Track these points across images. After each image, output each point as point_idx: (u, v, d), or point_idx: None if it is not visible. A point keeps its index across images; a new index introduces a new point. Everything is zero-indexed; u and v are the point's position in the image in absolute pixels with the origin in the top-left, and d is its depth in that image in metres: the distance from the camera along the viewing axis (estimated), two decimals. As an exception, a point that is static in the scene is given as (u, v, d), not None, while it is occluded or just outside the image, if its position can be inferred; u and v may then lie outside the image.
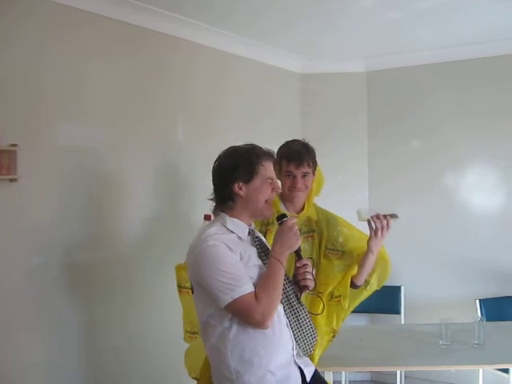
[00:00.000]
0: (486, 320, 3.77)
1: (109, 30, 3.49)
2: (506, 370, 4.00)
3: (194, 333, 2.86)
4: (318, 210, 3.02)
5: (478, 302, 4.45)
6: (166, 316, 3.63)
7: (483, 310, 4.41)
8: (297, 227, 2.32)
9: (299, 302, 2.36)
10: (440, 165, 5.10)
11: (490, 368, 4.10)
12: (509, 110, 4.79)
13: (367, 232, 2.80)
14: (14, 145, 2.91)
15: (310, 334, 2.34)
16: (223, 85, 4.40)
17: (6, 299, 2.95)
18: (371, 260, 2.83)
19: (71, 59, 3.26)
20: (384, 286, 4.54)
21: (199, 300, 2.29)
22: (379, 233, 2.74)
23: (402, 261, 5.08)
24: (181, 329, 2.99)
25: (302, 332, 2.33)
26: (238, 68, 4.59)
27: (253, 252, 2.30)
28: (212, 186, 2.37)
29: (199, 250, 2.20)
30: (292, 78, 5.31)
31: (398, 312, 4.98)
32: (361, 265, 2.87)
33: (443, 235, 5.03)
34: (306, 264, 2.36)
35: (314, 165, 2.88)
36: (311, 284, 2.36)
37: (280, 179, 2.86)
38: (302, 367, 2.32)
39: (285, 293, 2.30)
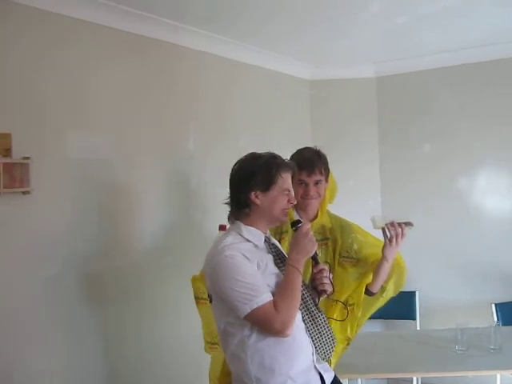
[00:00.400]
0: (502, 324, 3.75)
1: (116, 40, 3.50)
2: (523, 375, 3.97)
3: (214, 343, 2.85)
4: (332, 217, 3.01)
5: (493, 306, 4.42)
6: (180, 326, 3.64)
7: (499, 314, 4.38)
8: (312, 233, 2.31)
9: (317, 308, 2.35)
10: (452, 169, 5.08)
11: (508, 373, 4.06)
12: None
13: (382, 238, 2.79)
14: (27, 157, 2.92)
15: (328, 339, 2.33)
16: (232, 93, 4.41)
17: (20, 310, 2.95)
18: (386, 268, 2.81)
19: (78, 70, 3.27)
20: (399, 292, 4.51)
21: (218, 309, 2.29)
22: (394, 241, 2.72)
23: (417, 266, 5.03)
24: (195, 339, 2.99)
25: (320, 337, 2.31)
26: (247, 76, 4.60)
27: (269, 260, 2.30)
28: (228, 191, 2.38)
29: (216, 260, 2.21)
30: (301, 85, 5.31)
31: (413, 317, 4.94)
32: (376, 273, 2.85)
33: (457, 239, 5.00)
34: (323, 269, 2.36)
35: (326, 172, 2.88)
36: (329, 288, 2.36)
37: (293, 188, 2.86)
38: (322, 372, 2.31)
39: (302, 299, 2.30)
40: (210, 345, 2.92)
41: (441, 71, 5.05)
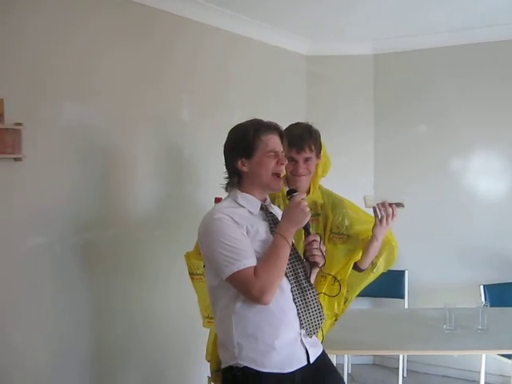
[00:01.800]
0: (490, 305, 3.77)
1: (114, 10, 3.46)
2: (508, 356, 4.00)
3: (211, 318, 2.85)
4: (324, 193, 2.99)
5: (481, 287, 4.46)
6: (169, 297, 3.65)
7: (487, 295, 4.42)
8: (305, 203, 2.29)
9: (308, 281, 2.33)
10: (446, 150, 5.07)
11: (493, 353, 4.11)
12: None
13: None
14: (19, 123, 2.89)
15: (315, 314, 2.31)
16: (228, 65, 4.37)
17: (8, 276, 2.95)
18: (376, 246, 2.80)
19: (77, 40, 3.24)
20: (388, 270, 4.52)
21: (208, 273, 2.31)
22: (384, 221, 2.71)
23: (407, 245, 5.04)
24: (183, 311, 2.99)
25: (307, 311, 2.29)
26: (244, 49, 4.56)
27: (262, 226, 2.29)
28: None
29: (205, 222, 2.25)
30: (298, 60, 5.27)
31: (401, 296, 4.98)
32: (365, 250, 2.84)
33: (448, 220, 5.01)
34: (314, 240, 2.33)
35: (317, 148, 2.83)
36: (320, 260, 2.31)
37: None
38: (307, 347, 2.30)
39: (293, 270, 2.29)
40: (207, 319, 2.92)
41: (440, 51, 5.02)
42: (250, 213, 2.29)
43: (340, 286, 2.71)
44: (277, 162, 2.32)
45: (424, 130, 5.17)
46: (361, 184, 5.23)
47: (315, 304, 2.32)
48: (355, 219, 2.92)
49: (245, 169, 2.30)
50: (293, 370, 2.24)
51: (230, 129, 2.40)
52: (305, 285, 2.31)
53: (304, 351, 2.29)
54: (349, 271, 2.88)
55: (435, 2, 4.07)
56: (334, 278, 2.68)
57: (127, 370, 3.62)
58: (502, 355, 4.09)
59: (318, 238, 2.34)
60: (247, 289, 2.13)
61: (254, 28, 4.55)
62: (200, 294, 2.89)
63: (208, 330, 2.92)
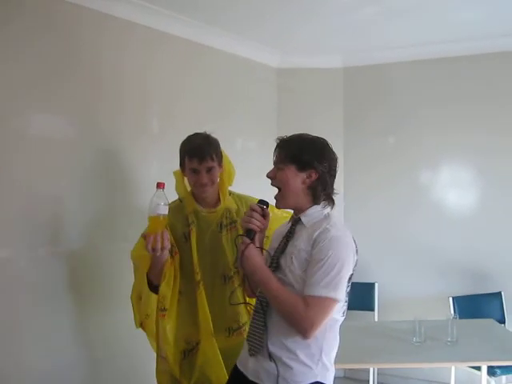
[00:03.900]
0: (459, 317, 3.79)
1: (71, 16, 3.41)
2: (478, 368, 4.01)
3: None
4: (236, 198, 2.98)
5: (451, 299, 4.48)
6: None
7: (456, 307, 4.45)
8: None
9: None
10: (415, 161, 5.12)
11: (463, 365, 4.12)
12: (483, 108, 4.81)
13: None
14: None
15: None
16: (196, 77, 4.33)
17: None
18: None
19: (36, 51, 3.19)
20: (358, 283, 4.50)
21: None
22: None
23: (376, 258, 5.11)
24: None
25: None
26: (213, 60, 4.52)
27: None
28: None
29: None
30: (268, 73, 5.27)
31: (371, 309, 4.98)
32: None
33: (418, 232, 5.04)
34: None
35: (218, 157, 2.82)
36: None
37: (186, 176, 2.85)
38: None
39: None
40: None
41: (408, 65, 5.08)
42: None
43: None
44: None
45: (392, 141, 5.21)
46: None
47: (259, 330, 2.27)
48: (272, 219, 2.86)
49: None
50: None
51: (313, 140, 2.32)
52: (260, 313, 2.28)
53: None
54: None
55: (402, 17, 4.11)
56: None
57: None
58: (472, 367, 4.10)
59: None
60: None
61: (223, 39, 4.53)
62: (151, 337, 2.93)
63: None
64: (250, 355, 2.24)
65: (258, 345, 2.21)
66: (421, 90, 5.06)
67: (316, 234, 2.15)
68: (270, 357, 2.16)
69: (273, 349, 2.17)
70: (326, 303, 2.10)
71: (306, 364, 2.15)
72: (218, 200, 2.90)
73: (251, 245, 2.23)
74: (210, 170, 2.77)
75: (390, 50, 5.00)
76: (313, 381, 2.16)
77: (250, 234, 2.27)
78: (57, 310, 3.30)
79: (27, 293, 3.14)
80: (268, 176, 2.30)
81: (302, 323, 2.08)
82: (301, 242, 2.20)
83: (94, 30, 3.55)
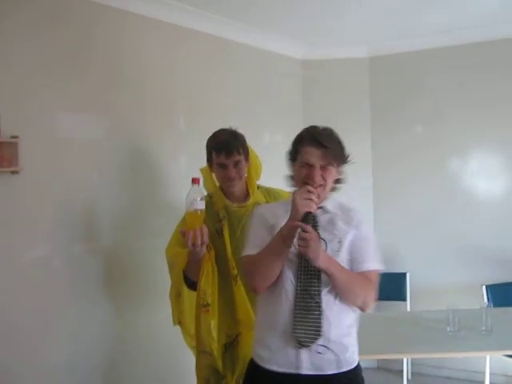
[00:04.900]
0: (493, 306, 3.76)
1: (96, 17, 3.46)
2: (513, 356, 3.99)
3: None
4: (265, 191, 2.99)
5: (484, 287, 4.44)
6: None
7: (490, 295, 4.40)
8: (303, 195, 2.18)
9: (317, 301, 2.23)
10: (444, 151, 5.07)
11: (498, 354, 4.09)
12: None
13: None
14: (15, 136, 2.88)
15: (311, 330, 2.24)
16: (223, 72, 4.36)
17: (6, 291, 2.93)
18: None
19: (63, 51, 3.23)
20: (389, 273, 4.49)
21: None
22: None
23: (407, 247, 5.09)
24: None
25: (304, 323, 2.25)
26: (237, 55, 4.54)
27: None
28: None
29: None
30: (293, 65, 5.27)
31: (403, 299, 4.96)
32: None
33: (448, 221, 5.00)
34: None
35: (245, 151, 2.85)
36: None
37: (214, 172, 2.88)
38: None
39: (306, 283, 2.23)
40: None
41: (434, 52, 5.02)
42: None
43: None
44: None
45: (421, 131, 5.17)
46: (360, 187, 5.21)
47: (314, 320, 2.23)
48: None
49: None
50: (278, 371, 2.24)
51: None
52: (312, 303, 2.22)
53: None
54: None
55: (428, 3, 4.07)
56: None
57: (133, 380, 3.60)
58: (507, 355, 4.07)
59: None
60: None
61: (247, 34, 4.54)
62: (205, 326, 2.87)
63: None
64: (301, 347, 2.20)
65: (314, 334, 2.20)
66: (448, 78, 5.00)
67: (355, 216, 2.32)
68: (329, 342, 2.19)
69: (332, 334, 2.20)
70: (378, 275, 2.30)
71: (355, 342, 2.30)
72: (247, 194, 2.92)
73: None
74: (237, 164, 2.80)
75: (416, 37, 4.95)
76: (358, 357, 2.32)
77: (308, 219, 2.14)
78: (91, 306, 3.35)
79: (63, 290, 3.20)
80: (319, 184, 2.29)
81: (370, 297, 2.24)
82: (341, 226, 2.27)
83: (120, 28, 3.59)
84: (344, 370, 2.23)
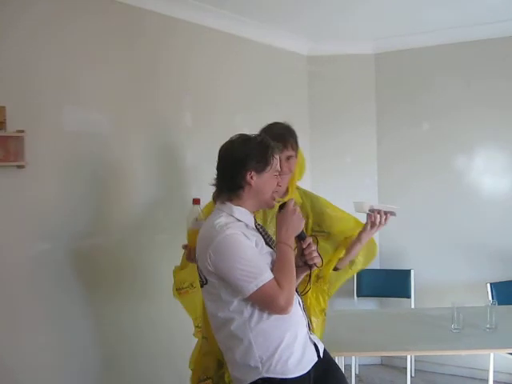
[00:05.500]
0: (498, 304, 3.75)
1: (108, 12, 3.45)
2: (517, 354, 3.98)
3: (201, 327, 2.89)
4: (302, 192, 2.99)
5: (489, 285, 4.43)
6: (177, 304, 3.62)
7: (494, 293, 4.39)
8: (299, 209, 2.32)
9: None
10: (449, 148, 5.05)
11: (502, 352, 4.08)
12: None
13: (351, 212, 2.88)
14: (21, 131, 2.88)
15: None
16: (227, 68, 4.34)
17: (12, 284, 2.94)
18: (358, 248, 2.86)
19: (71, 45, 3.22)
20: (394, 270, 4.50)
21: (213, 291, 2.24)
22: (375, 227, 2.76)
23: (412, 244, 5.08)
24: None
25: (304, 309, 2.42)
26: (243, 50, 4.53)
27: (260, 239, 2.29)
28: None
29: (217, 240, 2.16)
30: (299, 61, 5.25)
31: (407, 296, 4.95)
32: (347, 251, 2.88)
33: (453, 218, 5.00)
34: (311, 243, 2.35)
35: (296, 147, 2.85)
36: (318, 260, 2.34)
37: None
38: (316, 342, 2.36)
39: None
40: (198, 329, 2.96)
41: (441, 49, 5.00)
42: (247, 226, 2.28)
43: (309, 284, 2.72)
44: (277, 183, 2.35)
45: (426, 128, 5.15)
46: (365, 184, 5.21)
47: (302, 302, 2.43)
48: (334, 217, 2.93)
49: (252, 182, 2.26)
50: (309, 369, 2.27)
51: (238, 138, 2.34)
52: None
53: (314, 347, 2.33)
54: (331, 268, 2.90)
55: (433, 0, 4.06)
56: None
57: (132, 375, 3.60)
58: (511, 353, 4.06)
59: (313, 240, 2.37)
60: (274, 301, 2.13)
61: (253, 30, 4.53)
62: (188, 306, 2.96)
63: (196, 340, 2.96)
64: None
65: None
66: (454, 75, 4.98)
67: None
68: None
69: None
70: None
71: None
72: (286, 191, 2.91)
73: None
74: (288, 158, 2.79)
75: (422, 34, 4.93)
76: None
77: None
78: (96, 301, 3.36)
79: (67, 284, 3.21)
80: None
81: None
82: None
83: (136, 24, 3.60)
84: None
